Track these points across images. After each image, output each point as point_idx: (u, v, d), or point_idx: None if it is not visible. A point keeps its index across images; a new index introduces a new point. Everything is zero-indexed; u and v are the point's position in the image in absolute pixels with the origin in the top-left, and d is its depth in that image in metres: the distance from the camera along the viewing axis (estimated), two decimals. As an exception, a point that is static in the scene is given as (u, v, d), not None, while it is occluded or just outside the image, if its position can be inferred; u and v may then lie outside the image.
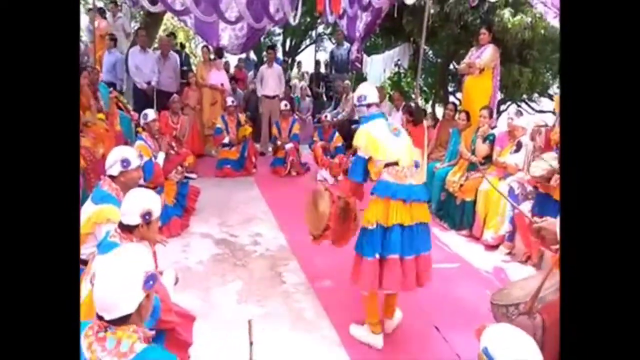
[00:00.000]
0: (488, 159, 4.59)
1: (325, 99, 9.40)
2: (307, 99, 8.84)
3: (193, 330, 2.20)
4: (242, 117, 6.54)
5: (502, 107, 9.79)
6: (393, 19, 7.26)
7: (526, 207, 3.72)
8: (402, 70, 10.57)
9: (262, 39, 11.59)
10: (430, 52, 10.49)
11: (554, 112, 5.52)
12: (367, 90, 2.85)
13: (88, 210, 2.39)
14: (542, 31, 6.69)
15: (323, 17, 7.91)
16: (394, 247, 2.51)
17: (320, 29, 13.80)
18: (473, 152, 4.65)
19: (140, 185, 2.55)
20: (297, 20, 7.31)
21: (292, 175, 6.33)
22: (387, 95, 8.19)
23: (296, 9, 6.93)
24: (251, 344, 1.71)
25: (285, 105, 6.65)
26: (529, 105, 11.66)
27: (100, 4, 9.62)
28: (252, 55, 10.60)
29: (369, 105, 2.81)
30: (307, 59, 13.23)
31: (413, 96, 8.69)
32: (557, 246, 1.71)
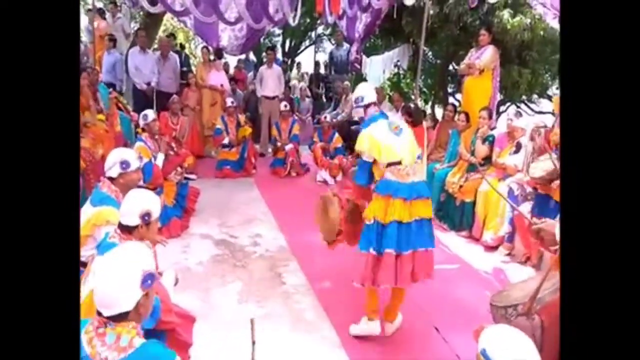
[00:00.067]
0: (487, 160, 4.59)
1: (324, 99, 9.41)
2: (307, 99, 8.84)
3: (193, 331, 2.20)
4: (242, 117, 6.54)
5: (502, 108, 9.80)
6: (392, 20, 7.27)
7: (525, 208, 3.73)
8: (401, 71, 10.59)
9: (261, 39, 11.59)
10: (430, 53, 10.51)
11: (553, 113, 5.52)
12: (364, 91, 2.85)
13: (87, 213, 2.38)
14: (542, 32, 6.70)
15: (322, 18, 7.91)
16: (390, 242, 2.53)
17: (320, 29, 13.82)
18: (472, 153, 4.66)
19: (140, 186, 2.55)
20: (296, 21, 7.31)
21: (292, 176, 6.33)
22: (387, 96, 8.20)
23: (296, 9, 6.93)
24: (253, 343, 1.70)
25: (285, 106, 6.65)
26: (528, 106, 11.68)
27: (99, 5, 9.62)
28: (252, 56, 10.60)
29: (367, 106, 2.81)
30: (307, 59, 13.24)
31: (412, 97, 8.70)
32: (556, 247, 1.72)
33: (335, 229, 2.91)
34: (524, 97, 9.99)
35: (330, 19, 7.18)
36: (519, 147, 4.28)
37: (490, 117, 4.69)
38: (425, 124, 5.37)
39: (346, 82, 7.95)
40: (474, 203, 4.47)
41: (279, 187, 5.88)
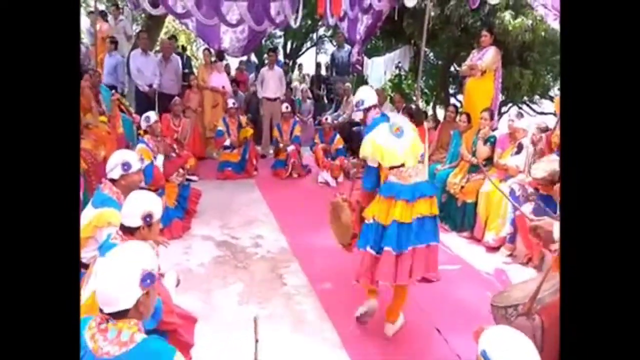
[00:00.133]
0: (489, 161, 4.59)
1: (326, 101, 9.41)
2: (308, 101, 8.85)
3: (195, 332, 2.21)
4: (243, 119, 6.56)
5: (503, 109, 9.80)
6: (394, 21, 7.27)
7: (527, 208, 3.72)
8: (402, 73, 10.59)
9: (263, 41, 11.64)
10: (431, 54, 10.51)
11: (554, 114, 5.52)
12: (364, 95, 2.87)
13: (89, 214, 2.39)
14: (543, 33, 6.70)
15: (324, 20, 7.93)
16: (389, 240, 2.56)
17: (321, 31, 13.83)
18: (474, 154, 4.66)
19: (142, 188, 2.56)
20: (298, 23, 7.34)
21: (293, 178, 6.34)
22: (388, 98, 8.20)
23: (297, 11, 6.96)
24: (256, 341, 1.71)
25: (287, 107, 6.67)
26: (530, 107, 11.67)
27: (102, 7, 9.67)
28: (253, 58, 10.63)
29: (367, 109, 2.83)
30: (308, 61, 13.25)
31: (414, 98, 8.69)
32: (555, 246, 1.72)
33: (350, 232, 2.95)
34: (525, 98, 9.99)
35: (331, 21, 7.20)
36: (520, 148, 4.28)
37: (491, 118, 4.68)
38: (426, 124, 5.38)
39: (347, 84, 7.96)
40: (475, 204, 4.47)
41: (280, 189, 5.89)
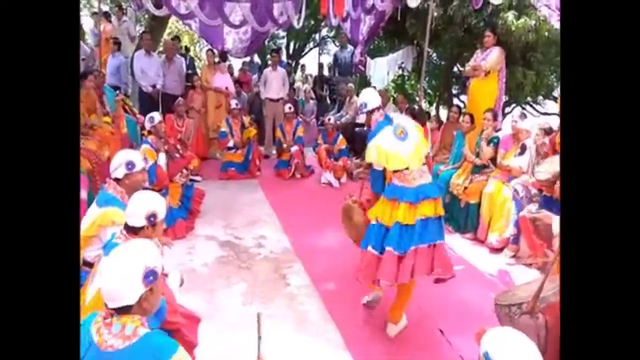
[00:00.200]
0: (492, 161, 4.58)
1: (328, 101, 9.41)
2: (311, 101, 8.85)
3: (198, 332, 2.21)
4: (247, 119, 6.57)
5: (507, 110, 9.77)
6: (396, 22, 7.27)
7: (531, 209, 3.72)
8: (405, 73, 10.59)
9: (266, 42, 11.62)
10: (434, 54, 10.49)
11: (558, 115, 5.51)
12: (368, 97, 2.89)
13: (93, 213, 2.41)
14: (546, 34, 6.68)
15: (327, 20, 7.93)
16: (391, 241, 2.58)
17: (324, 32, 13.86)
18: (477, 155, 4.65)
19: (146, 188, 2.57)
20: (300, 24, 7.34)
21: (296, 178, 6.34)
22: (391, 98, 8.20)
23: (300, 12, 6.96)
24: (259, 338, 1.72)
25: (289, 108, 6.67)
26: (534, 108, 11.63)
27: (105, 8, 9.70)
28: (256, 59, 10.63)
29: (371, 112, 2.84)
30: (311, 62, 13.23)
31: (417, 99, 8.70)
32: (556, 243, 1.72)
33: (364, 231, 2.96)
34: (528, 98, 9.96)
35: (334, 21, 7.19)
36: (523, 149, 4.27)
37: (495, 118, 4.68)
38: (429, 125, 5.37)
39: (350, 84, 7.96)
40: (478, 205, 4.46)
41: (283, 189, 5.89)
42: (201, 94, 7.04)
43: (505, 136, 4.57)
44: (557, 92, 10.08)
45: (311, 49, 16.50)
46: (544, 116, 10.79)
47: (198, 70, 9.07)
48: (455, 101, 9.83)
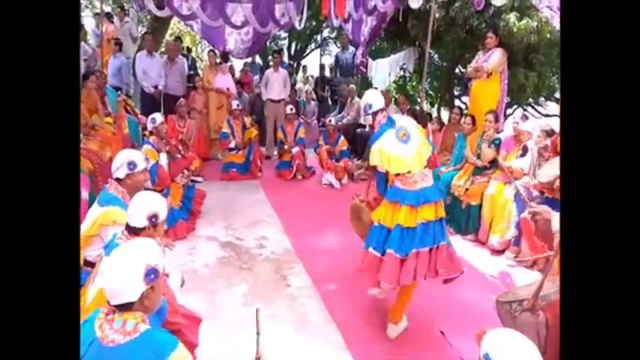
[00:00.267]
0: (494, 163, 4.58)
1: (330, 102, 9.42)
2: (312, 102, 8.86)
3: (199, 332, 2.22)
4: (248, 120, 6.57)
5: (508, 111, 9.76)
6: (398, 23, 7.28)
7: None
8: (407, 74, 10.59)
9: (267, 43, 11.64)
10: (436, 56, 10.49)
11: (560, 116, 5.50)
12: (372, 98, 2.90)
13: (94, 213, 2.42)
14: (548, 35, 6.67)
15: (328, 21, 7.94)
16: (392, 243, 2.60)
17: (326, 33, 13.83)
18: (479, 157, 4.65)
19: (147, 189, 2.58)
20: (302, 25, 7.34)
21: (298, 179, 6.34)
22: (393, 99, 8.20)
23: (301, 13, 6.96)
24: (258, 334, 1.72)
25: (291, 109, 6.67)
26: (535, 109, 11.62)
27: (107, 9, 9.73)
28: (258, 59, 10.64)
29: (375, 113, 2.86)
30: (313, 62, 13.24)
31: (418, 100, 8.69)
32: (555, 241, 1.72)
33: None
34: (530, 100, 9.95)
35: (335, 23, 7.20)
36: (525, 150, 4.27)
37: (496, 120, 4.68)
38: (430, 126, 5.37)
39: (352, 85, 7.96)
40: (479, 206, 4.45)
41: (284, 190, 5.90)
42: (203, 94, 7.05)
43: (506, 138, 4.56)
44: (559, 94, 10.07)
45: (313, 50, 16.50)
46: (545, 118, 10.78)
47: (200, 71, 9.08)
48: (457, 103, 9.82)
